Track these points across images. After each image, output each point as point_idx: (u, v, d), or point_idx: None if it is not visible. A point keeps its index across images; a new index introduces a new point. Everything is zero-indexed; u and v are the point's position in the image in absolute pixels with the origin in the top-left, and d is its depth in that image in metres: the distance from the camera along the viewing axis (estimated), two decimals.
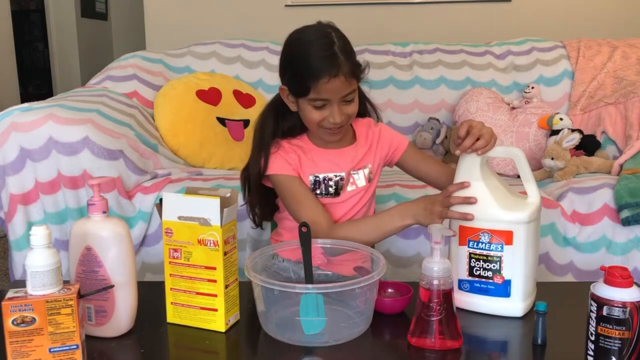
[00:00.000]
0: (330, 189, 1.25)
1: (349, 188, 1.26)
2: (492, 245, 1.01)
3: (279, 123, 1.26)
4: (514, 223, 1.01)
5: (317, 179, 1.24)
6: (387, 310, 1.03)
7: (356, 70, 1.17)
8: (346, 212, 1.26)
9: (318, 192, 1.25)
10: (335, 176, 1.25)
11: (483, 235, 1.02)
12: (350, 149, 1.28)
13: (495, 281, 1.02)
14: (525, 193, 1.06)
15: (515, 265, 1.01)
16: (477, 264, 1.03)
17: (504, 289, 1.02)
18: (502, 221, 1.01)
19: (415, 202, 1.15)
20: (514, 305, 1.02)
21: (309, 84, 1.13)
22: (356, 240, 1.10)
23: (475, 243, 1.03)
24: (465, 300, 1.04)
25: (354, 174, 1.27)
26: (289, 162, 1.23)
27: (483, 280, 1.03)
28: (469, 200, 1.04)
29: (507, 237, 1.01)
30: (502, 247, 1.01)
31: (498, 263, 1.01)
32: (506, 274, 1.02)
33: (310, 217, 1.15)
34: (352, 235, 1.15)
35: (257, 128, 1.27)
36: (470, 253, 1.03)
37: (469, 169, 1.07)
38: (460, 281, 1.05)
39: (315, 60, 1.13)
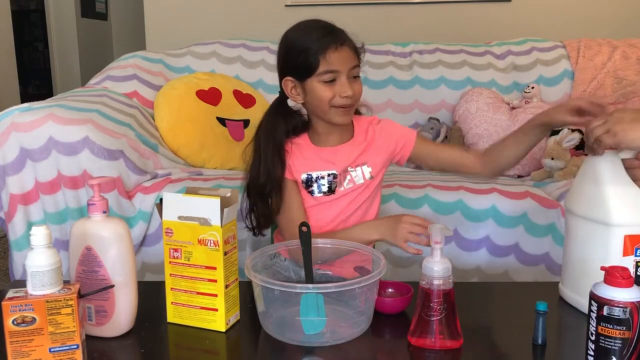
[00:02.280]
0: (323, 187, 1.25)
1: (347, 185, 1.26)
2: None
3: (288, 124, 1.27)
4: None
5: (310, 177, 1.25)
6: (387, 310, 1.03)
7: (357, 49, 1.23)
8: (342, 209, 1.26)
9: (311, 189, 1.25)
10: (328, 175, 1.25)
11: None
12: (346, 146, 1.28)
13: None
14: None
15: None
16: None
17: None
18: None
19: (384, 220, 1.20)
20: None
21: (318, 57, 1.16)
22: None
23: None
24: None
25: (352, 171, 1.26)
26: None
27: None
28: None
29: None
30: None
31: None
32: None
33: (287, 222, 1.22)
34: None
35: (268, 134, 1.25)
36: (637, 262, 0.97)
37: (616, 173, 1.01)
38: None
39: (320, 34, 1.18)
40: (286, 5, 2.99)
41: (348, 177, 1.26)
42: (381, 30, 2.96)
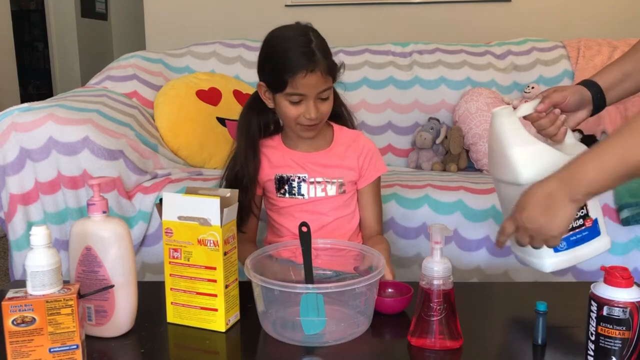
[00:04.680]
0: (293, 189, 1.27)
1: (319, 194, 1.27)
2: None
3: (260, 121, 1.30)
4: None
5: (282, 177, 1.27)
6: (387, 310, 1.03)
7: (332, 69, 1.21)
8: (313, 216, 1.26)
9: (282, 191, 1.27)
10: (298, 177, 1.27)
11: None
12: (320, 154, 1.29)
13: (587, 226, 1.03)
14: None
15: (594, 203, 1.03)
16: None
17: (594, 230, 1.02)
18: None
19: None
20: (605, 239, 1.04)
21: (286, 78, 1.16)
22: None
23: None
24: (566, 259, 1.03)
25: (326, 180, 1.27)
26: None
27: (577, 230, 1.03)
28: None
29: None
30: None
31: (584, 207, 1.02)
32: (592, 214, 1.03)
33: None
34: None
35: (242, 129, 1.29)
36: None
37: (516, 133, 1.03)
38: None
39: (293, 55, 1.16)
40: (286, 5, 2.99)
41: (322, 185, 1.27)
42: (381, 30, 2.95)
